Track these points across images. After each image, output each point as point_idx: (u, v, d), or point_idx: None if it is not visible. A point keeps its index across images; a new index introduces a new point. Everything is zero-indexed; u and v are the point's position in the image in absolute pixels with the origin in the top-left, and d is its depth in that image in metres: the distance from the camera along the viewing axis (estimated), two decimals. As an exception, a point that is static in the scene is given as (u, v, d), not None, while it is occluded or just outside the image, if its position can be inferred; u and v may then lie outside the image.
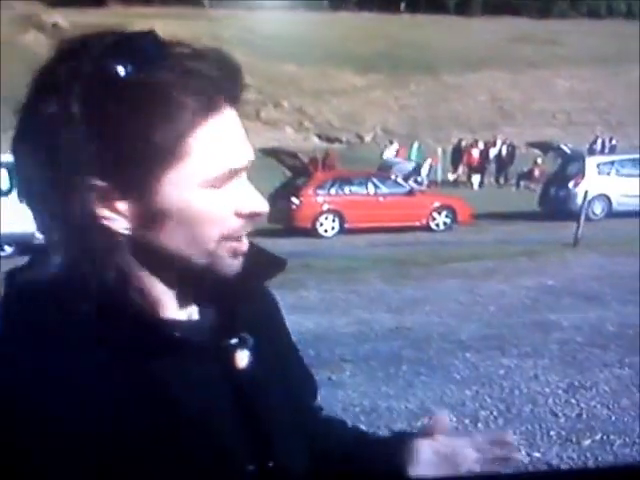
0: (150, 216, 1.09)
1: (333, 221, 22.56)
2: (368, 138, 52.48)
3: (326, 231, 22.37)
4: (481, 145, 38.68)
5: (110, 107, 1.04)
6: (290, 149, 30.05)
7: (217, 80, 1.08)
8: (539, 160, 35.35)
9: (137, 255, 1.12)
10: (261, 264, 1.23)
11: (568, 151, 28.63)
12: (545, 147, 33.71)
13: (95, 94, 1.04)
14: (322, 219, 22.48)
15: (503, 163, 38.31)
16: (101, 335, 1.07)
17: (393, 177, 25.98)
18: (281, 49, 59.34)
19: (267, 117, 55.50)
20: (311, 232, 21.97)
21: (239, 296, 1.19)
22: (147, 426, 1.07)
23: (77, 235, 1.08)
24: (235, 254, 1.14)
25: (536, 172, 34.64)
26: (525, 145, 39.86)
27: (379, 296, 12.02)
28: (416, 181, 31.52)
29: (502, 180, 37.96)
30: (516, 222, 23.61)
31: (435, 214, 23.05)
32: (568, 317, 10.22)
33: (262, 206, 1.14)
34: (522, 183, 35.32)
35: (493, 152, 38.50)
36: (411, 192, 24.17)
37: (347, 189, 23.36)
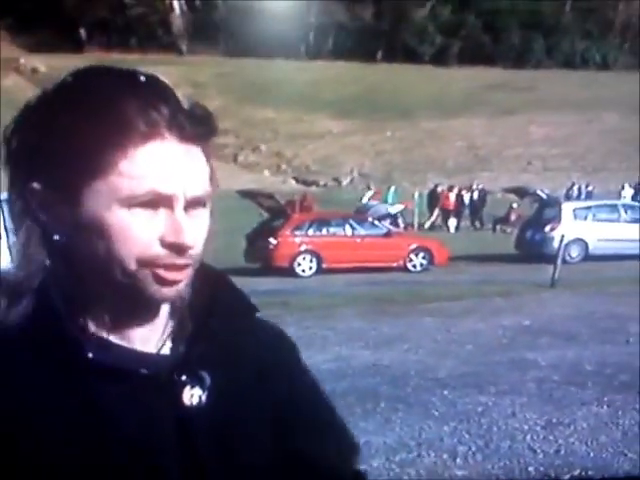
0: (79, 226, 1.11)
1: (311, 261, 22.55)
2: (345, 182, 52.70)
3: (304, 271, 22.34)
4: (457, 190, 38.89)
5: (56, 112, 1.10)
6: (267, 191, 30.13)
7: (176, 113, 1.11)
8: (515, 205, 35.59)
9: (71, 265, 1.14)
10: (229, 303, 1.24)
11: (544, 196, 28.91)
12: (521, 192, 34.07)
13: (45, 100, 1.12)
14: (300, 259, 22.47)
15: (475, 207, 38.54)
16: (31, 350, 1.12)
17: (370, 219, 26.05)
18: (258, 94, 59.87)
19: (245, 160, 55.84)
20: (289, 272, 21.94)
21: (199, 333, 1.19)
22: (79, 452, 1.10)
23: (20, 238, 1.14)
24: (164, 282, 1.12)
25: (512, 216, 34.83)
26: (501, 190, 40.22)
27: (357, 333, 11.97)
28: (393, 223, 31.57)
29: (477, 224, 38.13)
30: (492, 264, 23.68)
31: (412, 255, 23.07)
32: (545, 356, 10.21)
33: (187, 239, 1.11)
34: (498, 227, 35.49)
35: (467, 197, 38.74)
36: (388, 234, 24.26)
37: (325, 230, 23.42)
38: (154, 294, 1.13)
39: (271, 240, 22.49)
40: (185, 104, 1.13)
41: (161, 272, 1.11)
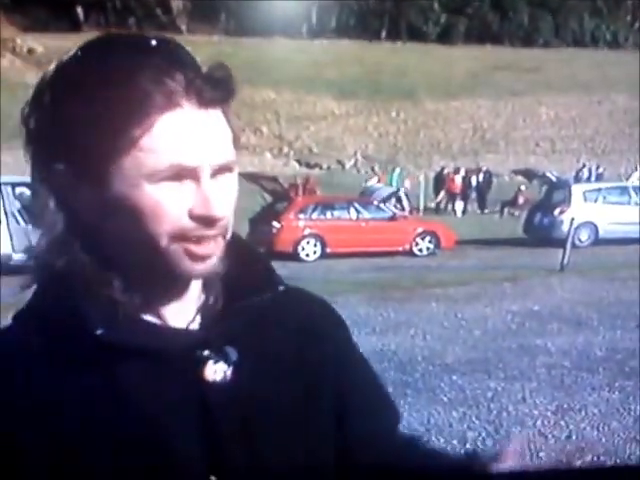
0: (105, 205, 1.10)
1: (315, 245, 22.43)
2: (349, 164, 52.56)
3: (307, 255, 22.22)
4: (463, 172, 38.76)
5: (75, 91, 1.08)
6: (270, 174, 30.02)
7: (194, 77, 1.09)
8: (523, 187, 35.46)
9: (98, 247, 1.13)
10: (253, 281, 1.22)
11: (553, 179, 28.73)
12: (530, 175, 33.91)
13: (64, 79, 1.10)
14: (304, 243, 22.35)
15: (481, 190, 38.40)
16: (50, 333, 1.11)
17: (375, 202, 25.90)
18: (258, 75, 59.59)
19: (246, 143, 55.66)
20: (292, 256, 21.81)
21: (228, 308, 1.18)
22: (101, 430, 1.09)
23: (45, 221, 1.13)
24: (196, 257, 1.11)
25: (520, 199, 34.74)
26: (509, 173, 40.07)
27: (362, 319, 11.85)
28: (398, 206, 31.44)
29: (481, 207, 38.01)
30: (500, 248, 23.55)
31: (418, 239, 22.94)
32: (555, 341, 10.15)
33: (215, 211, 1.10)
34: (506, 210, 35.37)
35: (475, 180, 38.60)
36: (394, 217, 24.10)
37: (329, 214, 23.28)
38: (187, 270, 1.12)
39: (274, 224, 22.38)
40: (203, 66, 1.11)
41: (192, 247, 1.11)
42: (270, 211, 23.67)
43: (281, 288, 1.25)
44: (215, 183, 1.11)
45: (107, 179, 1.08)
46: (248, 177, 27.02)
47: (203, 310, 1.19)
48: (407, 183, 36.28)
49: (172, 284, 1.15)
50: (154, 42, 1.11)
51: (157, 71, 1.07)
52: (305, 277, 17.57)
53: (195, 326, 1.18)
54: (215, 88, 1.10)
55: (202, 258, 1.12)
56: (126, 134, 1.06)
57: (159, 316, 1.16)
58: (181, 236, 1.10)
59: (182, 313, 1.17)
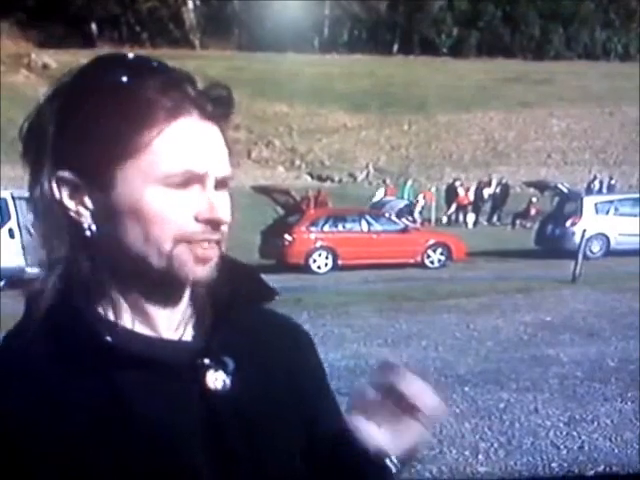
0: (113, 211, 1.11)
1: (326, 258, 22.43)
2: (360, 177, 52.55)
3: (319, 267, 22.24)
4: (475, 185, 38.72)
5: (83, 101, 1.11)
6: (282, 186, 30.04)
7: (195, 93, 1.13)
8: (534, 199, 35.38)
9: (104, 255, 1.14)
10: (250, 290, 1.25)
11: (565, 190, 28.64)
12: (542, 186, 33.79)
13: (66, 88, 1.13)
14: (315, 255, 22.37)
15: (496, 203, 38.32)
16: (52, 344, 1.12)
17: (387, 215, 25.89)
18: (271, 89, 59.70)
19: (258, 156, 55.68)
20: (304, 268, 21.85)
21: (221, 320, 1.19)
22: (107, 439, 1.10)
23: (50, 229, 1.14)
24: (199, 260, 1.14)
25: (532, 211, 34.66)
26: (520, 184, 39.97)
27: (374, 330, 11.86)
28: (410, 219, 31.43)
29: (496, 219, 37.94)
30: (511, 260, 23.51)
31: (430, 251, 22.93)
32: (567, 352, 10.13)
33: (222, 214, 1.15)
34: (518, 222, 35.29)
35: (487, 192, 38.50)
36: (405, 229, 24.08)
37: (340, 226, 23.32)
38: (189, 273, 1.14)
39: (286, 236, 22.40)
40: (203, 84, 1.16)
41: (196, 249, 1.13)
42: (282, 223, 23.72)
43: (277, 297, 1.29)
44: (217, 193, 1.15)
45: (116, 183, 1.11)
46: (261, 190, 27.09)
47: (193, 323, 1.21)
48: (422, 198, 36.18)
49: (168, 291, 1.17)
50: (156, 63, 1.15)
51: (166, 82, 1.12)
52: (317, 288, 17.62)
53: (188, 337, 1.20)
54: (215, 105, 1.15)
55: (204, 261, 1.14)
56: (138, 137, 1.09)
57: (152, 327, 1.17)
58: (186, 239, 1.12)
59: (173, 324, 1.19)
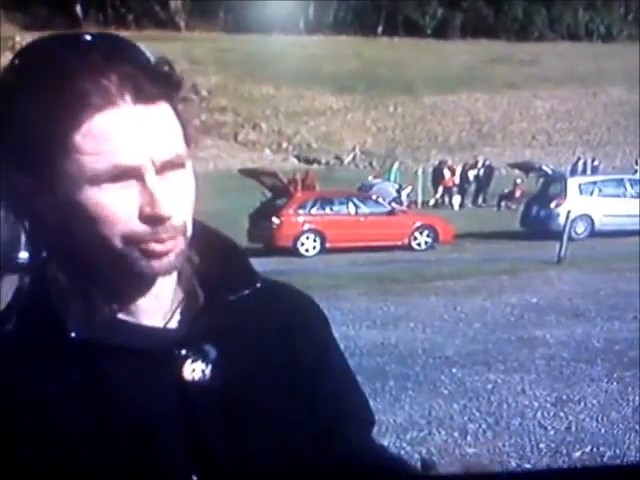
0: (59, 210, 1.09)
1: (314, 241, 22.50)
2: (347, 159, 52.55)
3: (307, 250, 22.31)
4: (461, 167, 38.77)
5: (14, 98, 1.07)
6: (269, 169, 30.01)
7: (124, 74, 1.06)
8: (519, 181, 35.48)
9: (62, 250, 1.13)
10: (231, 278, 1.19)
11: (550, 172, 28.76)
12: (526, 168, 33.93)
13: (2, 87, 1.09)
14: (303, 239, 22.42)
15: (481, 184, 38.40)
16: (28, 339, 1.11)
17: (374, 197, 25.95)
18: (257, 71, 59.48)
19: (245, 139, 55.58)
20: (292, 251, 21.90)
21: (207, 305, 1.16)
22: (85, 428, 1.09)
23: (10, 231, 1.15)
24: (154, 255, 1.09)
25: (517, 192, 34.76)
26: (505, 166, 40.10)
27: (363, 313, 11.93)
28: (396, 201, 31.46)
29: (481, 201, 38.03)
30: (498, 241, 23.63)
31: (417, 234, 23.03)
32: (554, 333, 10.19)
33: (163, 210, 1.07)
34: (503, 203, 35.40)
35: (473, 174, 38.58)
36: (392, 212, 24.16)
37: (328, 209, 23.38)
38: (145, 269, 1.10)
39: (274, 219, 22.44)
40: (149, 61, 1.09)
41: (147, 246, 1.09)
42: (270, 207, 23.73)
43: (258, 285, 1.22)
44: (163, 180, 1.08)
45: (56, 183, 1.07)
46: (248, 173, 27.05)
47: (181, 308, 1.17)
48: (408, 188, 36.21)
49: (138, 282, 1.13)
50: (90, 38, 1.09)
51: (90, 71, 1.05)
52: (305, 271, 17.64)
53: (174, 324, 1.16)
54: (156, 83, 1.08)
55: (158, 255, 1.09)
56: (65, 136, 1.05)
57: (133, 315, 1.14)
58: (135, 237, 1.08)
59: (158, 311, 1.16)
